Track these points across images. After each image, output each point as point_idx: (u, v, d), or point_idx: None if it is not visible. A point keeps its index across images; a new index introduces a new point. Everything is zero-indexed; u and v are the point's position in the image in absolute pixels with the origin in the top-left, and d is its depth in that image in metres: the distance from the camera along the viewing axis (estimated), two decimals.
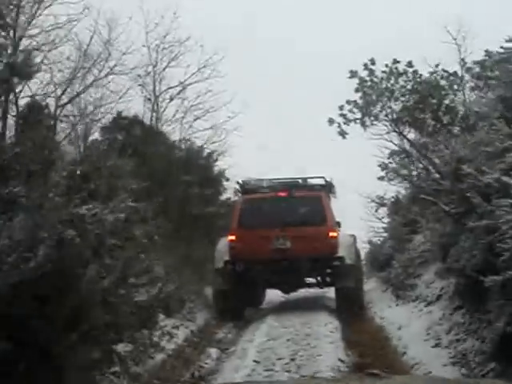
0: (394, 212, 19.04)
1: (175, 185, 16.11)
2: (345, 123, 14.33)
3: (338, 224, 12.33)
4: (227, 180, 21.40)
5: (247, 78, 23.70)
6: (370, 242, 22.81)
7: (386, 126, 14.38)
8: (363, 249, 20.04)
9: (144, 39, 19.41)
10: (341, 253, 11.48)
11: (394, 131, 13.90)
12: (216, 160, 20.61)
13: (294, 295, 13.82)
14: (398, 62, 14.31)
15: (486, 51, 12.41)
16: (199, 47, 19.52)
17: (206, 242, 15.44)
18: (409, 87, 13.89)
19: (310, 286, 13.03)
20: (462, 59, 13.00)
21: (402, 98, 13.96)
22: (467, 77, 13.13)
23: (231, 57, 20.31)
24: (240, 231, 11.40)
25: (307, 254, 11.07)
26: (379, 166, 19.89)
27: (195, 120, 19.80)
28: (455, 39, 12.97)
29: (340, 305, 11.79)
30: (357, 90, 14.61)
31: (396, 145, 14.33)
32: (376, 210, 20.74)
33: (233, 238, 11.50)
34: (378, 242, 22.43)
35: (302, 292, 13.71)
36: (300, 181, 12.44)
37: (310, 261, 11.25)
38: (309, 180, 12.48)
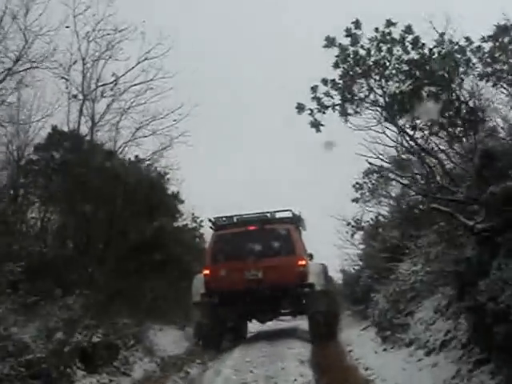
0: (371, 237, 16.87)
1: (118, 217, 13.57)
2: (319, 110, 9.84)
3: (311, 256, 12.94)
4: (181, 202, 19.12)
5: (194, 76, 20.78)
6: (343, 271, 20.77)
7: (375, 113, 10.16)
8: (338, 279, 19.12)
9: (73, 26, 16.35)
10: (311, 280, 11.94)
11: (386, 120, 10.11)
12: (168, 180, 18.21)
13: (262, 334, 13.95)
14: (394, 24, 9.80)
15: (467, 38, 9.85)
16: (140, 38, 16.64)
17: (161, 277, 14.92)
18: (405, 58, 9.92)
19: (284, 314, 13.59)
20: (467, 38, 9.94)
21: (398, 77, 9.94)
22: (474, 59, 9.96)
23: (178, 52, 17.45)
24: (214, 265, 12.03)
25: (279, 283, 11.57)
26: (353, 186, 18.00)
27: (138, 129, 16.46)
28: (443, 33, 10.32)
29: (313, 331, 12.00)
30: (336, 65, 9.90)
31: (391, 139, 10.32)
32: (352, 235, 18.53)
33: (207, 272, 12.11)
34: (352, 271, 20.49)
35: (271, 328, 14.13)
36: (268, 215, 12.85)
37: (281, 289, 11.74)
38: (277, 214, 12.86)
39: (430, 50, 9.70)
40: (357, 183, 17.75)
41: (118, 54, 16.31)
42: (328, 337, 11.73)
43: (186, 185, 18.14)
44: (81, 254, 14.08)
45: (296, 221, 12.98)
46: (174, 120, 16.55)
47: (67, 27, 15.23)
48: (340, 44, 9.79)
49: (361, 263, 18.63)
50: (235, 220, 12.93)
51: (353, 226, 18.02)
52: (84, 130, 16.08)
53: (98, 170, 14.93)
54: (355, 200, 17.67)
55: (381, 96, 9.85)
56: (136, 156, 17.12)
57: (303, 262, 12.09)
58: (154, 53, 16.24)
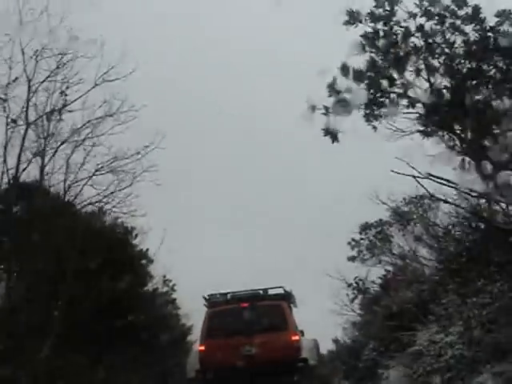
0: (373, 302, 14.42)
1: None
2: (326, 111, 6.65)
3: (302, 332, 12.91)
4: (151, 262, 16.52)
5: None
6: (336, 342, 18.26)
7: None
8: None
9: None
10: (304, 355, 12.02)
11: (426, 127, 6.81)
12: (136, 236, 15.66)
13: None
14: None
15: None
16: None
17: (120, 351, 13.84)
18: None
19: None
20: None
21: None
22: None
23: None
24: (208, 342, 12.16)
25: (273, 358, 11.69)
26: (348, 243, 15.78)
27: (97, 171, 13.39)
28: None
29: None
30: (362, 48, 7.27)
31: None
32: (353, 300, 16.03)
33: (202, 348, 12.28)
34: (347, 341, 18.01)
35: None
36: (261, 292, 13.01)
37: (275, 364, 11.72)
38: (269, 290, 12.96)
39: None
40: (353, 240, 15.49)
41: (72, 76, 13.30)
42: None
43: (154, 238, 15.38)
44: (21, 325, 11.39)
45: (288, 297, 13.03)
46: (138, 153, 13.60)
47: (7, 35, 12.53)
48: (370, 15, 6.89)
49: (358, 333, 16.01)
50: (229, 297, 13.03)
51: (354, 288, 15.51)
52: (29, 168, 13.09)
53: (48, 222, 12.34)
54: (351, 259, 15.33)
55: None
56: (99, 207, 14.37)
57: (297, 338, 12.15)
58: (115, 74, 13.37)
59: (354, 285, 15.52)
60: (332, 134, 6.86)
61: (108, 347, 14.11)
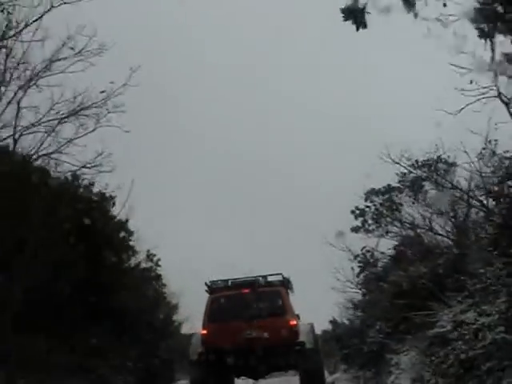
0: (380, 278, 12.89)
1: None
2: None
3: (298, 316, 13.48)
4: (130, 234, 14.90)
5: None
6: (334, 323, 16.92)
7: None
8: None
9: None
10: (301, 338, 12.61)
11: None
12: (113, 205, 14.00)
13: None
14: None
15: None
16: None
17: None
18: None
19: (276, 370, 14.52)
20: None
21: None
22: None
23: None
24: (211, 326, 12.70)
25: (272, 342, 12.29)
26: (352, 212, 14.22)
27: (61, 121, 11.43)
28: None
29: None
30: None
31: None
32: (359, 274, 14.59)
33: (205, 332, 12.77)
34: (346, 322, 16.69)
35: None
36: (261, 278, 13.51)
37: (274, 347, 12.41)
38: (268, 277, 13.48)
39: None
40: (357, 208, 13.92)
41: None
42: None
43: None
44: None
45: (286, 284, 13.51)
46: (103, 91, 11.56)
47: None
48: None
49: (361, 313, 14.59)
50: (230, 283, 13.59)
51: (360, 261, 13.98)
52: None
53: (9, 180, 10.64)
54: (355, 229, 13.81)
55: None
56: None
57: (294, 322, 12.82)
58: None
59: (361, 257, 13.99)
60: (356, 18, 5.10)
61: (83, 328, 12.97)
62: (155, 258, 18.09)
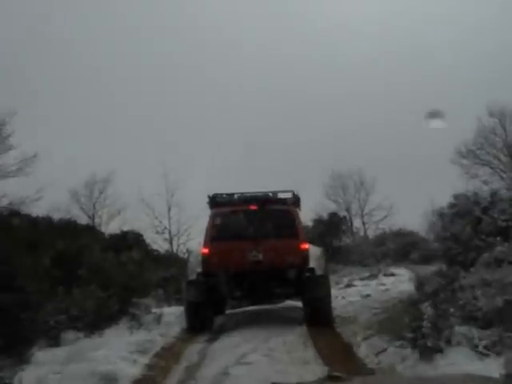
0: None
1: None
2: None
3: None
4: None
5: None
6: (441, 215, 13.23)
7: None
8: None
9: None
10: (311, 264, 12.02)
11: None
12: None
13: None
14: None
15: None
16: None
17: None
18: None
19: (279, 296, 13.63)
20: None
21: None
22: None
23: None
24: (213, 244, 11.93)
25: (279, 266, 11.77)
26: None
27: None
28: None
29: (309, 315, 12.06)
30: None
31: None
32: None
33: (206, 250, 11.96)
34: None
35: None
36: (270, 194, 12.79)
37: (281, 272, 11.88)
38: (278, 194, 12.79)
39: None
40: None
41: None
42: (324, 323, 11.68)
43: None
44: None
45: (297, 202, 12.72)
46: None
47: None
48: None
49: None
50: (235, 197, 12.69)
51: None
52: None
53: None
54: None
55: None
56: None
57: (306, 246, 12.05)
58: None
59: None
60: None
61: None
62: None
